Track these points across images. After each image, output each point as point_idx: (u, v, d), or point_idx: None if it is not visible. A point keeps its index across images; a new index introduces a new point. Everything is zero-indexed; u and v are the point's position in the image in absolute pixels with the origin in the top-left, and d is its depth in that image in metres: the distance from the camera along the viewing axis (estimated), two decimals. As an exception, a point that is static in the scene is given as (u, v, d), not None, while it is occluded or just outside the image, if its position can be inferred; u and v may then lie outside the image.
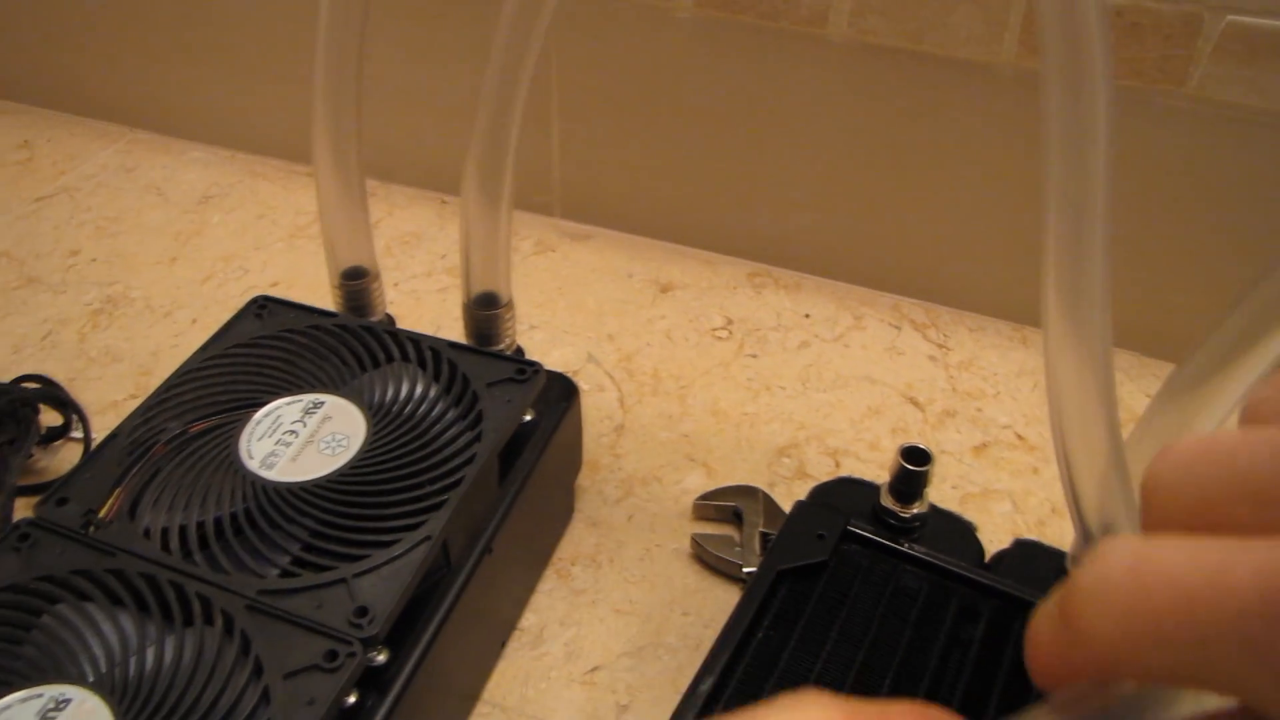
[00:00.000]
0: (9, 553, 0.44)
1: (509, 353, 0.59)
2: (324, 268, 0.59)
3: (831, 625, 0.50)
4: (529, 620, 0.57)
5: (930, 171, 0.74)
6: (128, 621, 0.42)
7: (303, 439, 0.49)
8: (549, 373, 0.56)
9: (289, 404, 0.51)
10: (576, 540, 0.61)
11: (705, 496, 0.62)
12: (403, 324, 0.60)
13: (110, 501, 0.46)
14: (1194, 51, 0.62)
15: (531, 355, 0.63)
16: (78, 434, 0.63)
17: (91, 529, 0.45)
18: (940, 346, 0.77)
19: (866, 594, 0.52)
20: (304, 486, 0.47)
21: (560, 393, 0.58)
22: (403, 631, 0.44)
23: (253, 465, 0.48)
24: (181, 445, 0.49)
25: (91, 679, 0.40)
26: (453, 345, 0.55)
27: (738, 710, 0.20)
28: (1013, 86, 0.68)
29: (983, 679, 0.48)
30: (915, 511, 0.54)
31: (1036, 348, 0.76)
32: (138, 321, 0.76)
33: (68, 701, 0.39)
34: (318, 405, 0.51)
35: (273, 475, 0.47)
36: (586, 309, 0.78)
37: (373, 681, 0.42)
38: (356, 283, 0.59)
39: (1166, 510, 0.19)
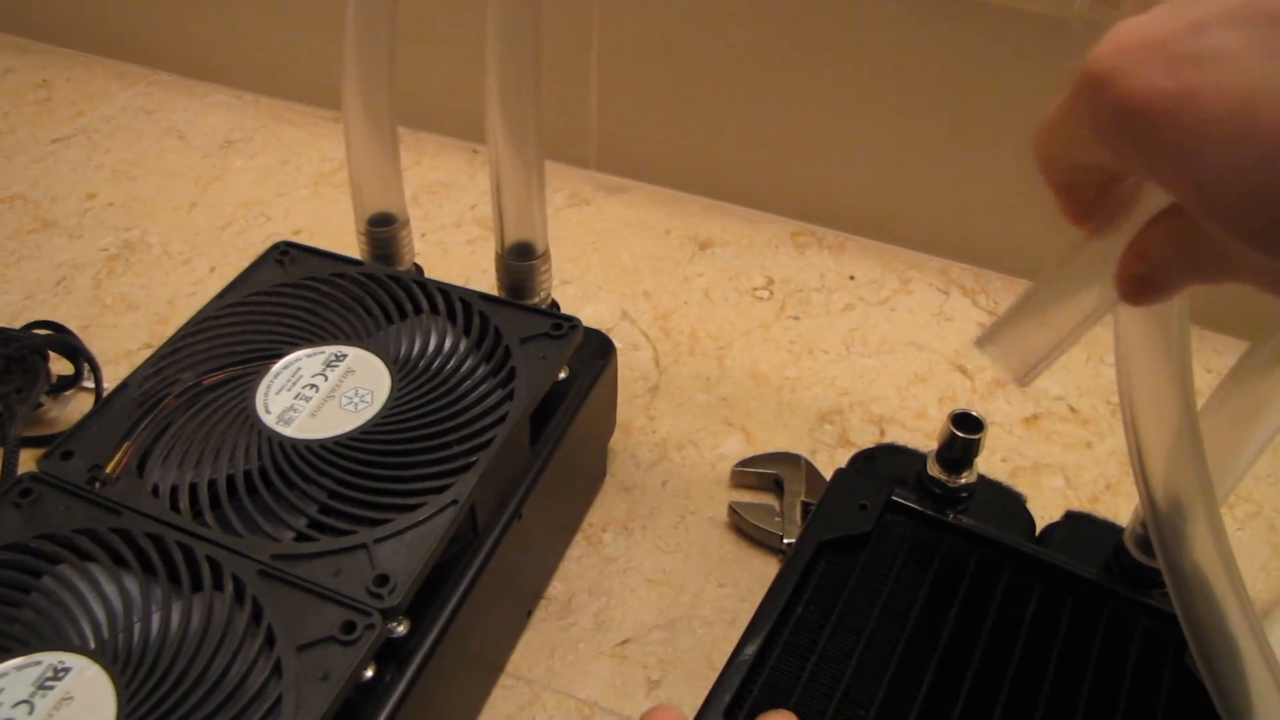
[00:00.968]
0: (10, 509, 0.42)
1: (544, 306, 0.55)
2: (349, 217, 0.56)
3: (874, 601, 0.47)
4: (556, 589, 0.54)
5: (986, 130, 0.70)
6: (132, 585, 0.39)
7: (323, 393, 0.46)
8: (585, 329, 0.52)
9: (310, 356, 0.48)
10: (608, 506, 0.58)
11: (744, 463, 0.59)
12: (431, 276, 0.57)
13: (118, 456, 0.44)
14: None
15: (564, 312, 0.60)
16: (89, 383, 0.61)
17: (97, 485, 0.43)
18: (990, 313, 0.73)
19: (911, 568, 0.49)
20: (323, 444, 0.44)
21: (595, 350, 0.54)
22: (425, 601, 0.41)
23: (269, 420, 0.45)
24: (194, 398, 0.46)
25: (92, 646, 0.37)
26: (484, 297, 0.52)
27: None
28: (1084, 42, 0.63)
29: (1035, 658, 0.45)
30: (964, 481, 0.51)
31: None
32: (154, 268, 0.73)
33: (67, 670, 0.37)
34: (340, 358, 0.48)
35: (290, 431, 0.44)
36: (621, 265, 0.75)
37: (392, 654, 0.40)
38: (384, 229, 0.56)
39: None
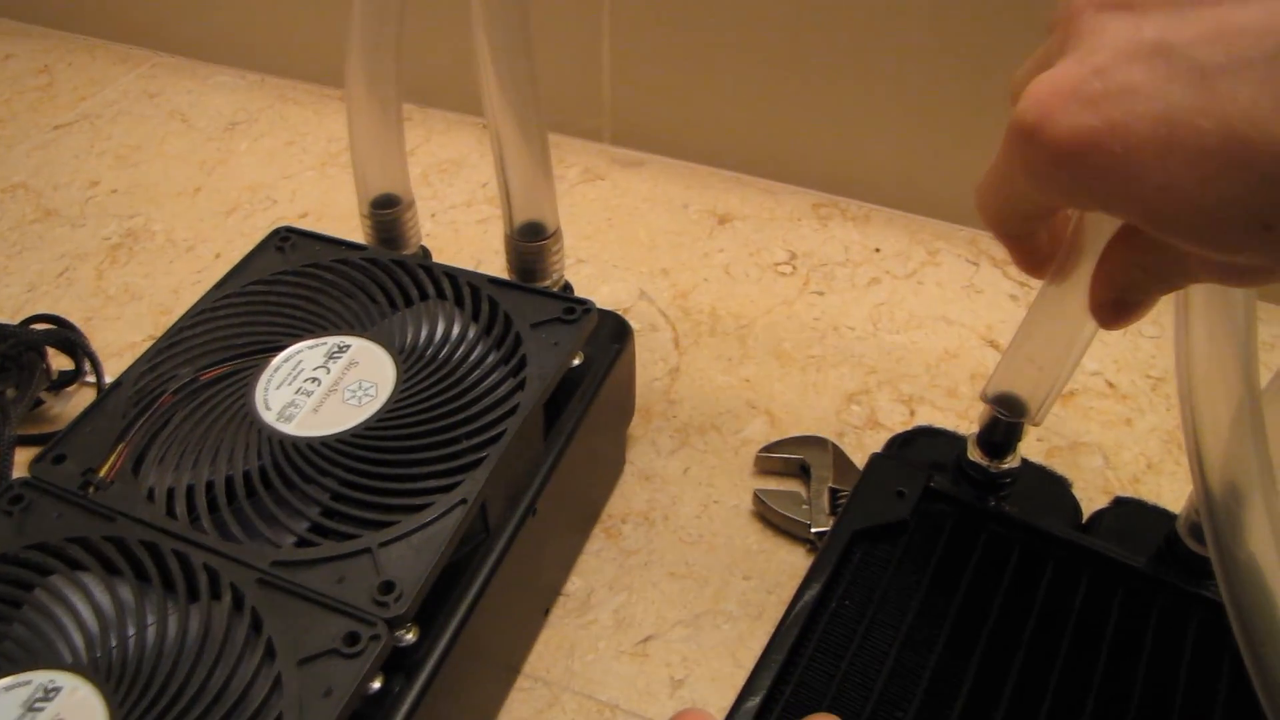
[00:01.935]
0: (1, 516, 0.40)
1: (556, 289, 0.53)
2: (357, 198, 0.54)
3: (913, 594, 0.45)
4: (575, 584, 0.52)
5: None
6: (126, 597, 0.37)
7: (325, 387, 0.44)
8: (600, 311, 0.50)
9: (311, 348, 0.46)
10: (627, 496, 0.56)
11: (769, 448, 0.57)
12: (441, 258, 0.55)
13: (112, 459, 0.42)
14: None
15: (578, 292, 0.58)
16: (92, 378, 0.59)
17: (91, 490, 0.41)
18: (1022, 284, 0.70)
19: (951, 558, 0.46)
20: (325, 441, 0.42)
21: (612, 332, 0.52)
22: (434, 606, 0.39)
23: (269, 417, 0.43)
24: (191, 395, 0.44)
25: (84, 663, 0.35)
26: (493, 281, 0.49)
27: None
28: None
29: (1083, 653, 0.42)
30: (1006, 466, 0.48)
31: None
32: (158, 257, 0.71)
33: (57, 690, 0.35)
34: (343, 349, 0.46)
35: (291, 429, 0.42)
36: (638, 242, 0.72)
37: (400, 663, 0.38)
38: (388, 212, 0.53)
39: None
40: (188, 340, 0.46)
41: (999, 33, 0.64)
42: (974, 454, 0.48)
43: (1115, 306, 0.31)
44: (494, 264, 0.69)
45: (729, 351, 0.64)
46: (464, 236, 0.73)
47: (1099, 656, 0.42)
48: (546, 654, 0.49)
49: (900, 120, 0.71)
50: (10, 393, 0.52)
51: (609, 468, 0.56)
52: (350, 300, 0.48)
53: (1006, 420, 0.45)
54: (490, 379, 0.45)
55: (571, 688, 0.48)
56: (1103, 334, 0.67)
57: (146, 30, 0.92)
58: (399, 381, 0.44)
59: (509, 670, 0.48)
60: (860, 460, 0.55)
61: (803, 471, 0.56)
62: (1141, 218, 0.24)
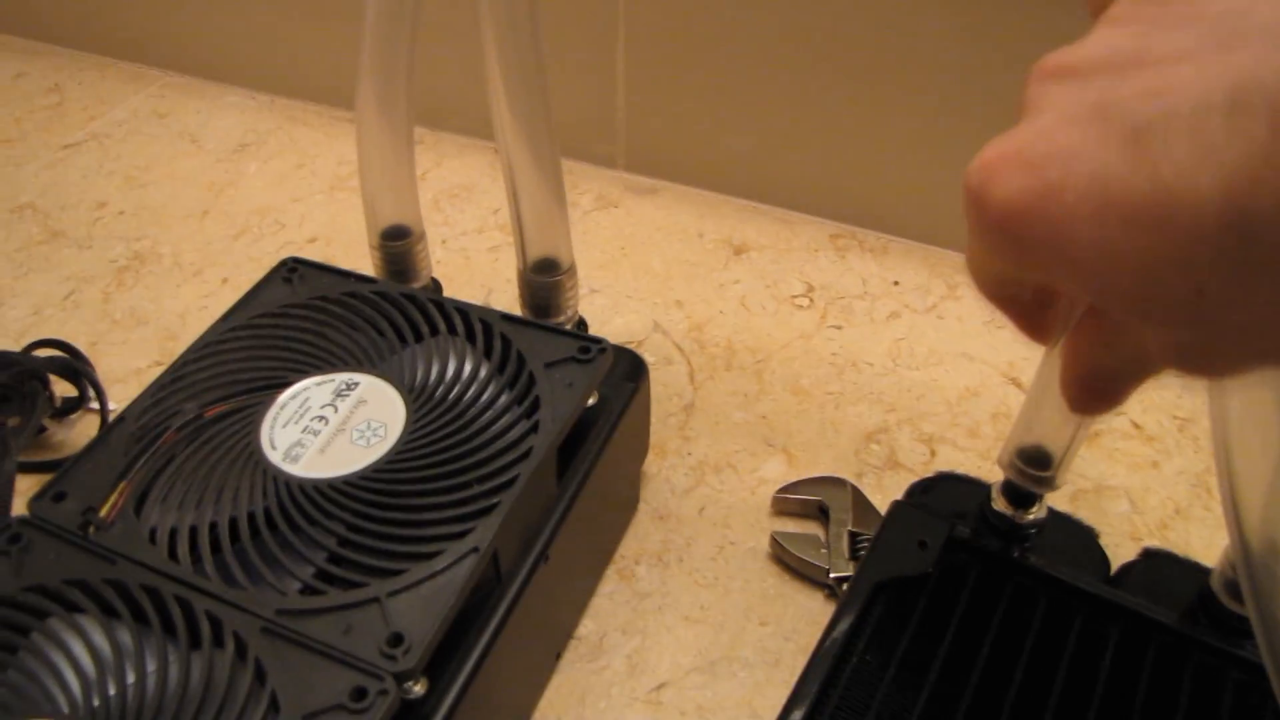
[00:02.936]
0: (-2, 556, 0.39)
1: (570, 326, 0.52)
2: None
3: (936, 649, 0.43)
4: (587, 627, 0.51)
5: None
6: (126, 643, 0.36)
7: (333, 427, 0.43)
8: (615, 349, 0.48)
9: (319, 385, 0.45)
10: (641, 536, 0.55)
11: (786, 489, 0.55)
12: (451, 286, 0.53)
13: (113, 498, 0.40)
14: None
15: (591, 322, 0.57)
16: (96, 405, 0.58)
17: (91, 530, 0.39)
18: (1044, 318, 0.69)
19: (976, 612, 0.45)
20: (332, 484, 0.40)
21: (626, 370, 0.51)
22: (443, 657, 0.38)
23: (274, 457, 0.41)
24: (195, 432, 0.43)
25: (81, 713, 0.34)
26: (506, 317, 0.48)
27: None
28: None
29: (1115, 714, 0.41)
30: (1033, 517, 0.47)
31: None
32: (165, 280, 0.70)
33: (53, 741, 0.33)
34: (351, 386, 0.45)
35: (297, 470, 0.41)
36: (652, 272, 0.71)
37: (408, 717, 0.36)
38: (398, 244, 0.52)
39: None
40: (192, 375, 0.45)
41: (1021, 61, 0.63)
42: (999, 504, 0.47)
43: (1081, 386, 0.30)
44: (506, 292, 0.68)
45: (745, 387, 0.63)
46: (475, 264, 0.72)
47: (1131, 717, 0.40)
48: (558, 700, 0.48)
49: (919, 150, 0.70)
50: (13, 422, 0.50)
51: (623, 508, 0.54)
52: (359, 335, 0.47)
53: (1035, 474, 0.44)
54: (503, 421, 0.43)
55: (582, 737, 0.47)
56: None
57: (157, 50, 0.92)
58: (409, 422, 0.43)
59: (519, 718, 0.46)
60: (880, 501, 0.53)
61: (821, 513, 0.54)
62: (1084, 286, 0.24)
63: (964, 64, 0.65)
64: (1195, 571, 0.47)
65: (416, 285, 0.53)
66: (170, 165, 0.81)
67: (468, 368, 0.45)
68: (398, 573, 0.37)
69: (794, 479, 0.56)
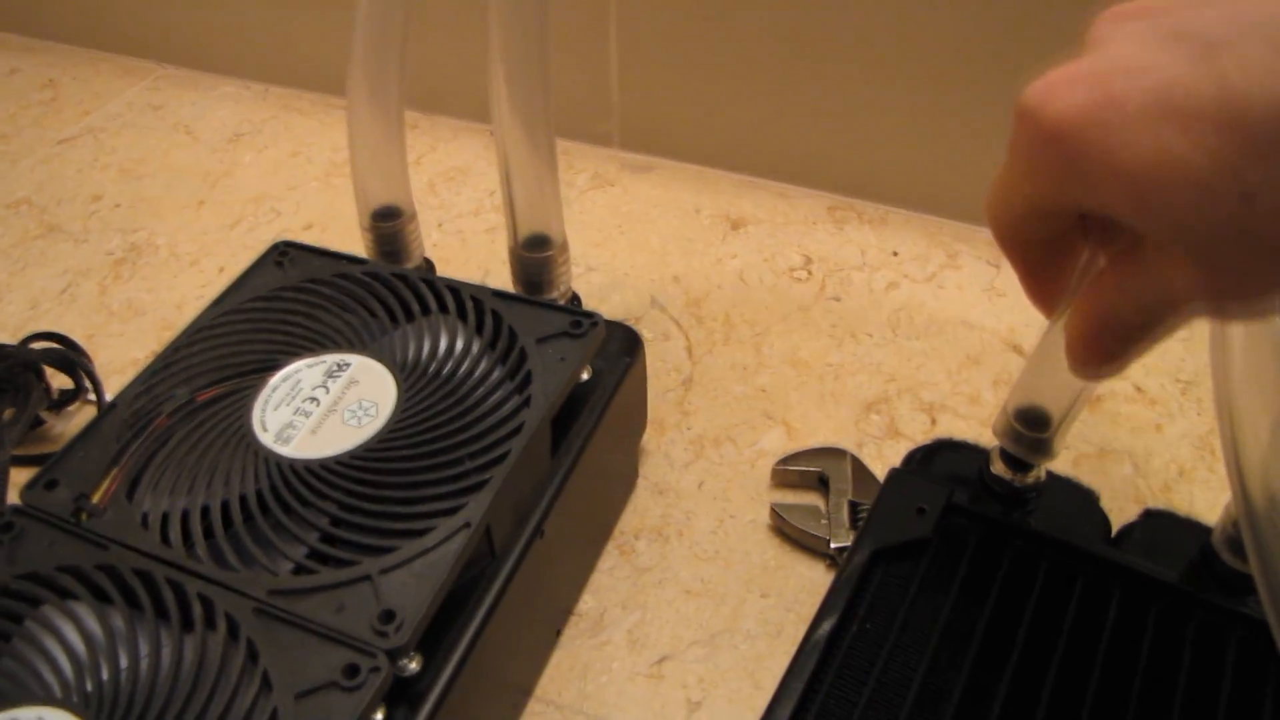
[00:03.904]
0: (-9, 544, 0.39)
1: (563, 302, 0.51)
2: (360, 209, 0.53)
3: (937, 615, 0.43)
4: (587, 603, 0.50)
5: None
6: (119, 627, 0.36)
7: (324, 407, 0.43)
8: (608, 322, 0.48)
9: (310, 366, 0.45)
10: (640, 510, 0.54)
11: (785, 460, 0.55)
12: (448, 268, 0.53)
13: (105, 484, 0.40)
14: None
15: (588, 300, 0.56)
16: (93, 397, 0.58)
17: (83, 516, 0.39)
18: (1045, 284, 0.68)
19: (976, 577, 0.45)
20: (324, 464, 0.40)
21: (622, 345, 0.50)
22: (438, 633, 0.38)
23: (266, 439, 0.41)
24: (187, 417, 0.43)
25: (75, 697, 0.34)
26: (497, 294, 0.48)
27: None
28: None
29: (1118, 675, 0.40)
30: (1032, 480, 0.46)
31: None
32: (162, 271, 0.70)
33: (47, 725, 0.33)
34: (343, 367, 0.44)
35: (288, 451, 0.41)
36: (649, 248, 0.71)
37: (403, 694, 0.36)
38: (389, 224, 0.52)
39: None
40: (184, 360, 0.45)
41: (1019, 28, 0.63)
42: (997, 467, 0.46)
43: (1090, 342, 0.30)
44: (502, 273, 0.68)
45: (744, 360, 0.62)
46: (471, 246, 0.71)
47: (1135, 678, 0.40)
48: (558, 676, 0.48)
49: (917, 119, 0.69)
50: (7, 414, 0.50)
51: (621, 482, 0.54)
52: (350, 316, 0.47)
53: (1033, 436, 0.43)
54: (494, 396, 0.43)
55: (585, 711, 0.46)
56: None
57: (150, 43, 0.92)
58: (400, 400, 0.43)
59: (519, 693, 0.46)
60: (880, 471, 0.53)
61: (821, 484, 0.54)
62: (1129, 201, 0.24)
63: (961, 34, 0.64)
64: (1196, 530, 0.46)
65: (408, 266, 0.53)
66: (165, 157, 0.81)
67: (459, 344, 0.45)
68: (389, 550, 0.37)
69: (793, 450, 0.55)
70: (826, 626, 0.42)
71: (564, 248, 0.51)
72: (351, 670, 0.34)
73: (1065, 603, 0.43)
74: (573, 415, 0.46)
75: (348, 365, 0.44)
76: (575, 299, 0.54)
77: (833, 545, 0.51)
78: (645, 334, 0.52)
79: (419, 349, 0.45)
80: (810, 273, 0.69)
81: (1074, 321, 0.30)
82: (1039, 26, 0.62)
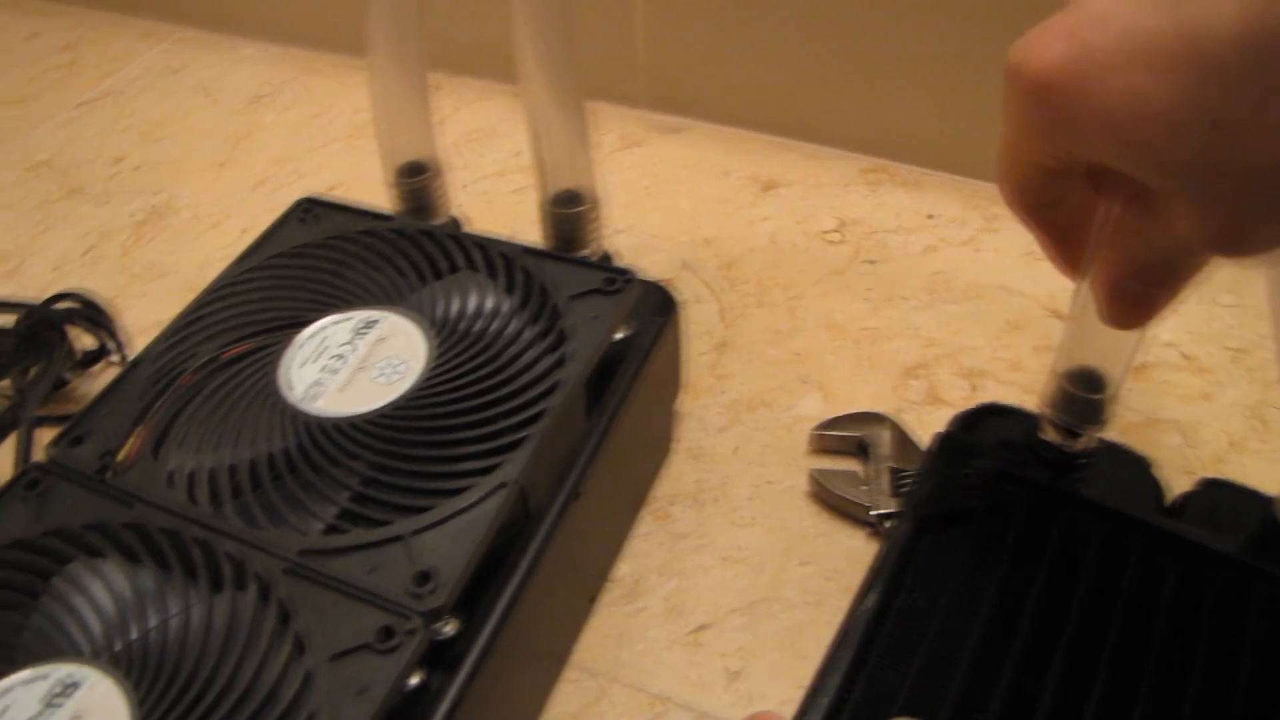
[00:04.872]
0: (16, 502, 0.38)
1: (595, 259, 0.50)
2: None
3: (986, 586, 0.42)
4: (623, 570, 0.49)
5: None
6: (148, 586, 0.35)
7: (353, 365, 0.41)
8: (642, 282, 0.47)
9: (337, 323, 0.43)
10: (676, 476, 0.53)
11: (824, 425, 0.53)
12: (474, 229, 0.52)
13: (131, 441, 0.39)
14: None
15: (618, 263, 0.55)
16: (117, 357, 0.57)
17: (109, 474, 0.38)
18: (1085, 249, 0.66)
19: (1026, 547, 0.43)
20: (353, 422, 0.39)
21: (655, 305, 0.49)
22: (475, 596, 0.37)
23: (293, 397, 0.40)
24: (213, 374, 0.42)
25: (104, 657, 0.33)
26: (529, 251, 0.47)
27: None
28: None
29: (1177, 650, 0.39)
30: (1083, 446, 0.45)
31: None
32: (184, 233, 0.69)
33: (77, 685, 0.32)
34: (371, 324, 0.43)
35: (317, 409, 0.40)
36: (679, 211, 0.69)
37: (440, 657, 0.35)
38: (416, 179, 0.51)
39: None
40: (209, 317, 0.44)
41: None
42: (1048, 433, 0.45)
43: (1117, 292, 0.31)
44: (530, 235, 0.66)
45: (778, 324, 0.61)
46: (498, 207, 0.70)
47: (1195, 654, 0.38)
48: (594, 644, 0.46)
49: (953, 79, 0.67)
50: (31, 372, 0.49)
51: (656, 447, 0.53)
52: (377, 273, 0.46)
53: (1088, 398, 0.42)
54: (528, 355, 0.42)
55: (621, 679, 0.45)
56: (1175, 300, 0.63)
57: (169, 5, 0.90)
58: (431, 358, 0.41)
59: (555, 661, 0.45)
60: (921, 438, 0.52)
61: (860, 450, 0.52)
62: (1112, 144, 0.25)
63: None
64: (1256, 500, 0.45)
65: (436, 222, 0.51)
66: (186, 119, 0.80)
67: (490, 302, 0.44)
68: (423, 510, 0.36)
69: (831, 416, 0.54)
70: (873, 596, 0.41)
71: (596, 203, 0.49)
72: (386, 633, 0.33)
73: (1120, 574, 0.42)
74: (608, 376, 0.45)
75: (375, 322, 0.43)
76: (606, 258, 0.52)
77: (874, 512, 0.49)
78: (677, 297, 0.50)
79: (449, 306, 0.44)
80: (844, 235, 0.67)
81: (1099, 271, 0.32)
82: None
